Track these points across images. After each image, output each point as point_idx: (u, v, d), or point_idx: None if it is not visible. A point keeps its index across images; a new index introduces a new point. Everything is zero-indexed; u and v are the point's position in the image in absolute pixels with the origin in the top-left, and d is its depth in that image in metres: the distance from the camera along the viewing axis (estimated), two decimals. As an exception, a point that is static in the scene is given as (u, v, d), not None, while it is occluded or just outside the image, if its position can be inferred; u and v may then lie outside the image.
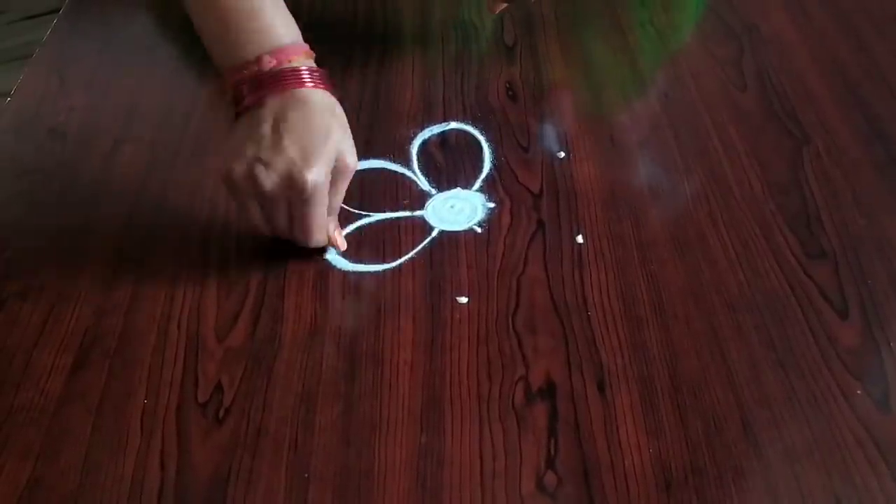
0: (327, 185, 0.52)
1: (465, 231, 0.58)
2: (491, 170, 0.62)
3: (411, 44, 0.74)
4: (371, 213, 0.60)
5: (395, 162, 0.63)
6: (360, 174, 0.62)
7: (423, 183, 0.62)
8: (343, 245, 0.57)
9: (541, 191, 0.60)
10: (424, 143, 0.65)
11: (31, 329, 0.53)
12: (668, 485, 0.45)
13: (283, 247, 0.57)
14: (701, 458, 0.46)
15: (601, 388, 0.49)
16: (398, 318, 0.53)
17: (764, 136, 0.64)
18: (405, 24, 0.77)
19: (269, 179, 0.51)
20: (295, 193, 0.51)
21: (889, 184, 0.60)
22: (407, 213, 0.60)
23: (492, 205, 0.60)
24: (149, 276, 0.56)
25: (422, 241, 0.57)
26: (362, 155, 0.63)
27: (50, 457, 0.47)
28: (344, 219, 0.59)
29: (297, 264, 0.56)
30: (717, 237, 0.57)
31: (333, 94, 0.54)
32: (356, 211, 0.60)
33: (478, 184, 0.62)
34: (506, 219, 0.59)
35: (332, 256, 0.57)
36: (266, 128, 0.51)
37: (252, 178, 0.51)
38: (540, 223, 0.58)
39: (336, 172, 0.53)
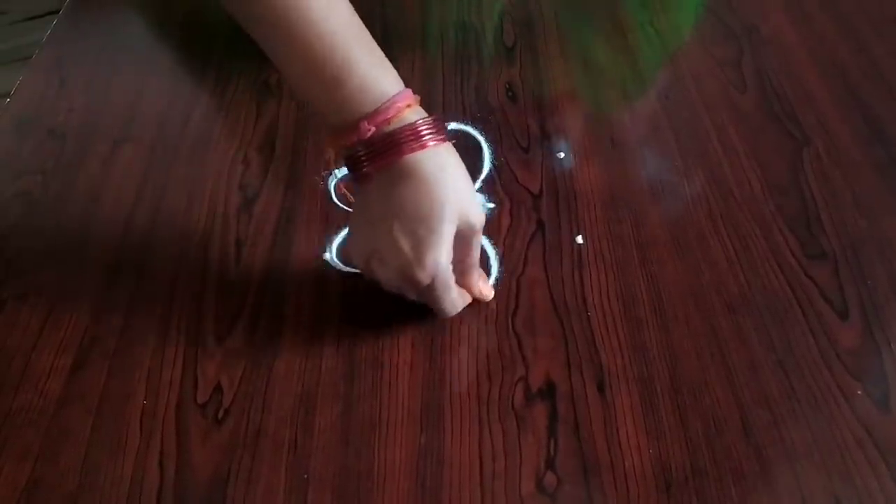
0: (449, 267, 0.48)
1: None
2: (491, 170, 0.62)
3: (411, 44, 0.74)
4: (371, 214, 0.59)
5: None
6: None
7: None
8: (490, 295, 0.53)
9: (540, 191, 0.60)
10: (424, 144, 0.65)
11: (31, 330, 0.53)
12: (668, 485, 0.44)
13: (282, 247, 0.57)
14: (701, 458, 0.46)
15: (601, 388, 0.49)
16: (398, 318, 0.53)
17: (764, 137, 0.64)
18: (405, 24, 0.77)
19: (385, 275, 0.48)
20: (416, 287, 0.48)
21: (889, 184, 0.60)
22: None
23: (491, 205, 0.60)
24: (148, 277, 0.56)
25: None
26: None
27: (49, 458, 0.47)
28: (343, 220, 0.59)
29: (297, 265, 0.56)
30: (717, 238, 0.57)
31: (444, 140, 0.48)
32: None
33: (477, 184, 0.62)
34: (505, 219, 0.59)
35: (331, 257, 0.57)
36: (375, 213, 0.47)
37: (371, 270, 0.49)
38: (540, 224, 0.58)
39: (463, 235, 0.48)
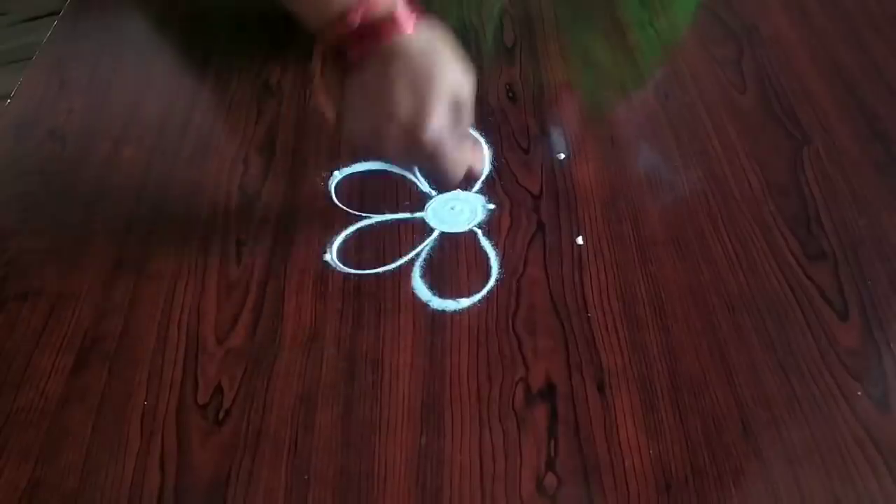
0: (448, 128, 0.51)
1: (464, 232, 0.58)
2: (491, 171, 0.62)
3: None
4: (371, 215, 0.60)
5: (395, 164, 0.63)
6: (360, 176, 0.62)
7: (424, 185, 0.62)
8: (480, 167, 0.56)
9: (540, 192, 0.60)
10: (424, 145, 0.65)
11: (32, 331, 0.53)
12: (668, 486, 0.45)
13: (283, 247, 0.57)
14: (701, 458, 0.46)
15: (601, 389, 0.49)
16: (398, 319, 0.53)
17: (763, 137, 0.64)
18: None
19: (390, 146, 0.51)
20: (420, 152, 0.50)
21: (889, 184, 0.60)
22: (407, 215, 0.60)
23: (492, 206, 0.60)
24: (149, 278, 0.56)
25: (422, 243, 0.58)
26: (362, 158, 0.63)
27: (50, 458, 0.47)
28: (344, 220, 0.59)
29: (297, 266, 0.56)
30: (716, 238, 0.57)
31: (425, 23, 0.51)
32: (356, 212, 0.60)
33: (477, 185, 0.62)
34: (506, 220, 0.59)
35: (331, 258, 0.57)
36: (371, 90, 0.50)
37: (375, 145, 0.51)
38: (540, 224, 0.58)
39: (455, 105, 0.51)
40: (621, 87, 0.70)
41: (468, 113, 0.53)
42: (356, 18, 0.49)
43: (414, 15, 0.51)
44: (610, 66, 0.72)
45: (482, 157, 0.56)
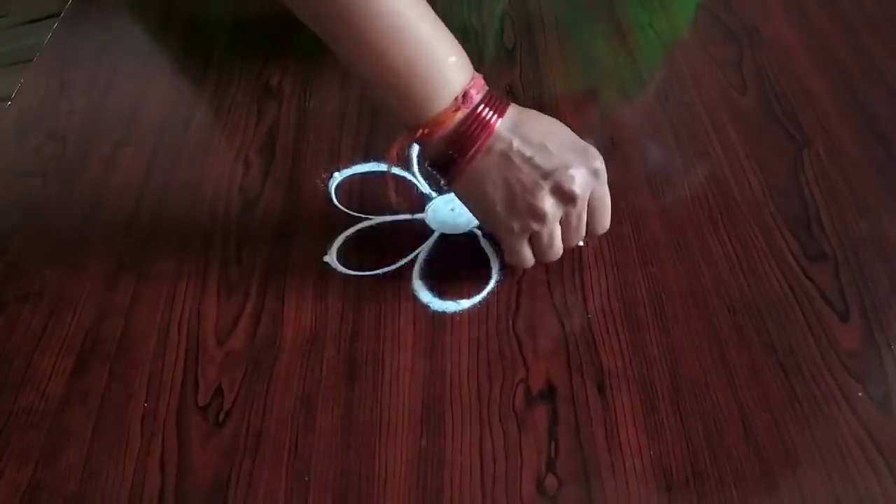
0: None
1: (465, 234, 0.58)
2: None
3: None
4: (371, 216, 0.60)
5: (395, 165, 0.63)
6: (360, 177, 0.62)
7: (424, 186, 0.62)
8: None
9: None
10: (424, 146, 0.65)
11: (32, 332, 0.53)
12: (668, 487, 0.44)
13: (283, 249, 0.57)
14: (702, 460, 0.46)
15: (601, 390, 0.49)
16: (398, 320, 0.53)
17: (764, 138, 0.64)
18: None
19: (576, 186, 0.48)
20: (598, 181, 0.49)
21: (889, 185, 0.60)
22: (407, 216, 0.60)
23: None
24: (149, 280, 0.56)
25: (422, 244, 0.57)
26: (362, 158, 0.63)
27: (50, 460, 0.47)
28: (344, 222, 0.59)
29: (297, 267, 0.56)
30: (717, 239, 0.57)
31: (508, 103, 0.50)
32: (356, 214, 0.60)
33: (478, 186, 0.62)
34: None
35: (331, 259, 0.57)
36: (511, 158, 0.47)
37: (546, 210, 0.48)
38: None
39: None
40: (621, 88, 0.70)
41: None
42: (463, 111, 0.47)
43: (499, 98, 0.49)
44: (610, 67, 0.72)
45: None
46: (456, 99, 0.47)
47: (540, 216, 0.48)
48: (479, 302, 0.54)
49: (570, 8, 0.79)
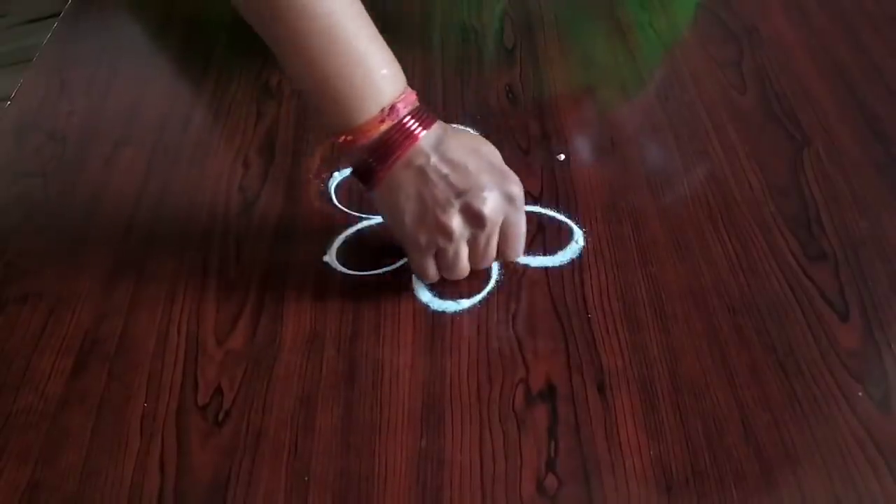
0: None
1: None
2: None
3: (411, 46, 0.74)
4: (371, 216, 0.59)
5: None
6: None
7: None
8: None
9: (541, 193, 0.60)
10: (424, 146, 0.65)
11: (31, 333, 0.53)
12: (668, 487, 0.44)
13: (282, 249, 0.57)
14: (702, 460, 0.45)
15: (601, 389, 0.49)
16: (398, 320, 0.53)
17: (764, 138, 0.64)
18: (404, 26, 0.77)
19: (486, 209, 0.48)
20: (512, 207, 0.49)
21: (889, 184, 0.60)
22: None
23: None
24: (148, 280, 0.56)
25: (422, 244, 0.57)
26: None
27: (50, 460, 0.47)
28: (344, 222, 0.59)
29: (296, 267, 0.56)
30: (717, 239, 0.57)
31: (434, 119, 0.50)
32: (356, 214, 0.60)
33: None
34: (506, 221, 0.59)
35: (331, 259, 0.57)
36: (429, 172, 0.48)
37: (440, 227, 0.48)
38: (540, 226, 0.58)
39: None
40: (621, 87, 0.70)
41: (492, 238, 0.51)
42: (383, 126, 0.48)
43: (426, 112, 0.49)
44: (610, 66, 0.72)
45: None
46: (382, 110, 0.48)
47: (447, 233, 0.49)
48: (479, 302, 0.54)
49: (570, 7, 0.79)
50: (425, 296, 0.54)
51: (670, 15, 0.78)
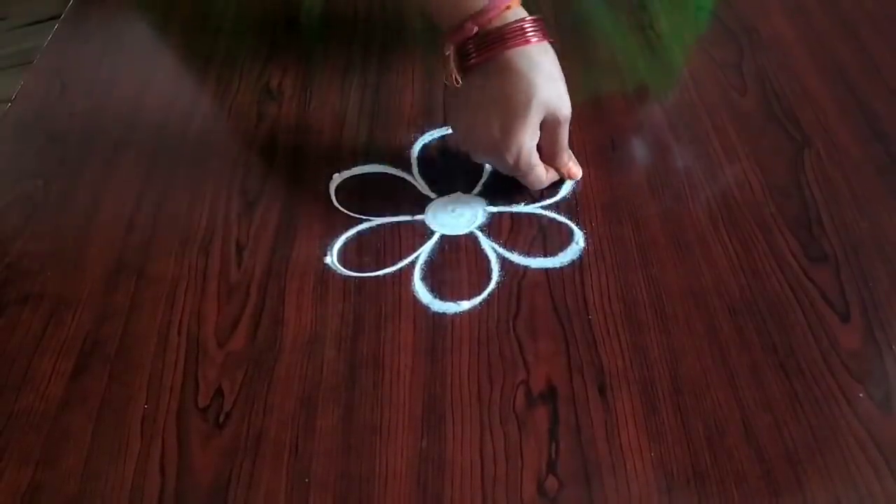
0: (532, 150, 0.56)
1: (465, 235, 0.58)
2: (491, 174, 0.62)
3: (412, 47, 0.74)
4: (371, 217, 0.60)
5: (395, 166, 0.63)
6: (360, 178, 0.62)
7: (424, 187, 0.62)
8: (578, 174, 0.60)
9: (541, 194, 0.60)
10: (425, 148, 0.65)
11: (32, 334, 0.53)
12: (669, 488, 0.44)
13: (283, 251, 0.57)
14: (702, 461, 0.45)
15: (602, 391, 0.49)
16: (398, 322, 0.53)
17: (764, 139, 0.64)
18: (405, 27, 0.77)
19: (477, 155, 0.58)
20: (503, 166, 0.57)
21: (890, 185, 0.60)
22: (407, 218, 0.60)
23: (492, 209, 0.60)
24: (149, 281, 0.56)
25: (422, 246, 0.57)
26: (363, 160, 0.63)
27: (50, 462, 0.47)
28: (344, 223, 0.59)
29: (297, 269, 0.56)
30: (717, 240, 0.57)
31: (541, 39, 0.54)
32: (357, 215, 0.60)
33: (478, 188, 0.62)
34: (506, 222, 0.59)
35: (332, 261, 0.57)
36: (472, 100, 0.55)
37: (466, 148, 0.58)
38: (540, 227, 0.58)
39: (550, 125, 0.55)
40: (622, 89, 0.70)
41: (565, 134, 0.57)
42: (471, 31, 0.53)
43: (526, 29, 0.53)
44: (610, 69, 0.72)
45: (578, 168, 0.60)
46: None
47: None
48: (480, 303, 0.54)
49: (570, 10, 0.79)
50: (426, 297, 0.54)
51: (670, 17, 0.78)
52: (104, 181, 0.63)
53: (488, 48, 0.53)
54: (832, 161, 0.62)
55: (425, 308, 0.54)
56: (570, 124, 0.57)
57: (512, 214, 0.59)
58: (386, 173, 0.63)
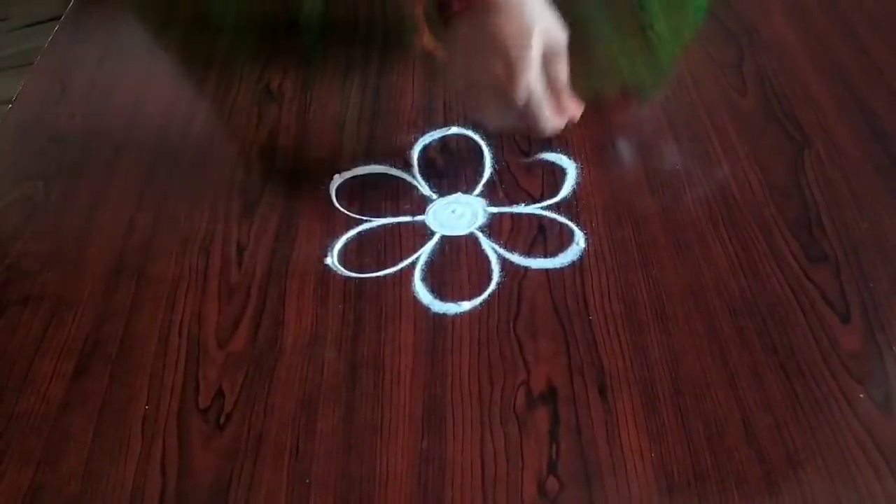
0: (539, 85, 0.54)
1: (465, 236, 0.58)
2: (492, 174, 0.62)
3: (412, 48, 0.74)
4: (372, 218, 0.60)
5: (395, 167, 0.63)
6: (361, 179, 0.62)
7: (424, 188, 0.62)
8: (578, 114, 0.59)
9: (541, 195, 0.60)
10: (425, 148, 0.65)
11: (33, 335, 0.53)
12: (670, 489, 0.44)
13: (284, 252, 0.57)
14: (703, 462, 0.45)
15: (602, 392, 0.49)
16: (399, 322, 0.53)
17: (764, 139, 0.64)
18: (406, 28, 0.77)
19: (484, 98, 0.54)
20: (512, 106, 0.53)
21: (890, 186, 0.60)
22: (408, 218, 0.60)
23: (493, 209, 0.60)
24: (149, 282, 0.56)
25: (423, 246, 0.57)
26: (363, 160, 0.63)
27: (51, 463, 0.47)
28: (345, 224, 0.59)
29: (297, 270, 0.56)
30: (717, 240, 0.57)
31: None
32: (357, 216, 0.60)
33: (479, 188, 0.62)
34: (507, 223, 0.59)
35: (332, 262, 0.57)
36: (469, 43, 0.53)
37: (470, 96, 0.55)
38: (541, 227, 0.58)
39: (549, 56, 0.54)
40: (622, 90, 0.70)
41: (564, 66, 0.55)
42: None
43: None
44: (611, 69, 0.72)
45: (579, 107, 0.59)
46: None
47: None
48: (480, 304, 0.54)
49: (570, 11, 0.79)
50: (426, 298, 0.54)
51: (671, 17, 0.78)
52: (104, 182, 0.63)
53: None
54: (832, 161, 0.62)
55: (426, 308, 0.54)
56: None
57: (512, 215, 0.59)
58: (386, 174, 0.63)
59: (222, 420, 0.48)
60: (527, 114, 0.55)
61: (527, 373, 0.50)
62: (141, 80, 0.73)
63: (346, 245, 0.58)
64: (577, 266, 0.56)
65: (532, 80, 0.52)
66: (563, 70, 0.56)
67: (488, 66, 0.52)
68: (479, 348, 0.51)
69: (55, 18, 0.82)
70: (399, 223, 0.59)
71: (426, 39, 0.57)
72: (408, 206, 0.60)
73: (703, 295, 0.53)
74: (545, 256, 0.56)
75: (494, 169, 0.63)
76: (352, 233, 0.59)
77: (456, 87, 0.56)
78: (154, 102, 0.71)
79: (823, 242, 0.56)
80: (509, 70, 0.52)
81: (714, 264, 0.55)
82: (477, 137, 0.65)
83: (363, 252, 0.57)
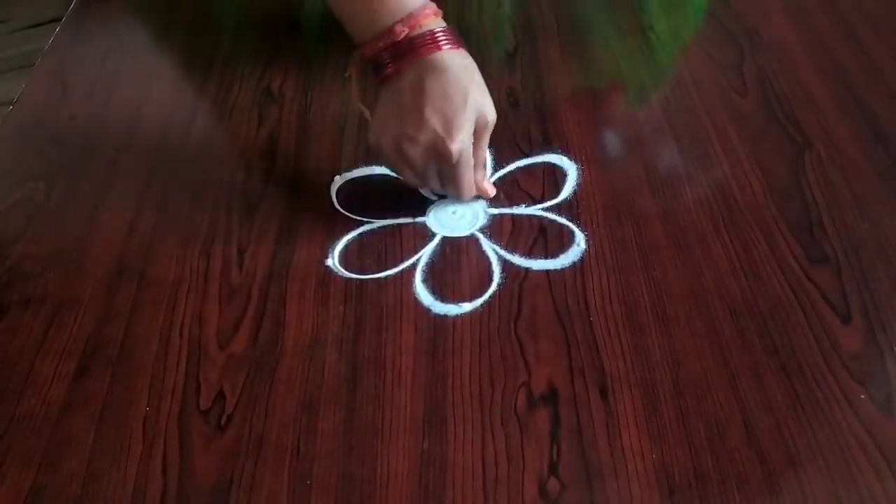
0: (471, 147, 0.55)
1: (466, 237, 0.58)
2: (492, 176, 0.62)
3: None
4: (373, 220, 0.60)
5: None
6: (362, 180, 0.62)
7: (425, 189, 0.62)
8: (492, 192, 0.60)
9: (542, 196, 0.60)
10: (425, 149, 0.65)
11: (33, 337, 0.53)
12: (671, 490, 0.44)
13: (284, 253, 0.57)
14: (704, 463, 0.45)
15: (603, 393, 0.49)
16: (400, 324, 0.53)
17: (765, 141, 0.64)
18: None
19: (415, 153, 0.54)
20: (443, 162, 0.55)
21: (890, 187, 0.60)
22: (408, 220, 0.60)
23: (493, 211, 0.60)
24: (150, 284, 0.56)
25: (423, 247, 0.58)
26: (364, 162, 0.63)
27: (52, 464, 0.47)
28: (346, 225, 0.59)
29: (298, 271, 0.56)
30: (718, 242, 0.57)
31: (464, 49, 0.55)
32: (358, 217, 0.60)
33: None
34: (507, 224, 0.59)
35: (333, 263, 0.57)
36: (406, 99, 0.54)
37: (400, 151, 0.55)
38: (541, 228, 0.58)
39: (478, 130, 0.55)
40: (623, 92, 0.70)
41: (485, 141, 0.57)
42: (401, 34, 0.53)
43: (451, 35, 0.54)
44: (611, 71, 0.72)
45: (492, 186, 0.60)
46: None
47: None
48: (481, 305, 0.54)
49: (571, 11, 0.79)
50: (427, 299, 0.54)
51: (671, 18, 0.78)
52: (105, 183, 0.63)
53: (415, 51, 0.53)
54: (833, 163, 0.62)
55: (426, 310, 0.54)
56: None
57: (513, 216, 0.59)
58: (387, 175, 0.63)
59: (223, 421, 0.48)
60: (452, 174, 0.56)
61: (528, 374, 0.50)
62: (142, 81, 0.73)
63: (346, 246, 0.58)
64: (577, 267, 0.56)
65: (466, 138, 0.54)
66: (484, 147, 0.57)
67: (426, 119, 0.53)
68: (480, 349, 0.51)
69: (56, 20, 0.82)
70: (400, 224, 0.59)
71: (355, 98, 0.58)
72: (408, 208, 0.60)
73: (703, 296, 0.53)
74: (546, 257, 0.56)
75: (495, 170, 0.63)
76: (353, 234, 0.59)
77: (385, 140, 0.56)
78: (155, 104, 0.71)
79: (824, 243, 0.56)
80: (447, 126, 0.53)
81: (715, 265, 0.55)
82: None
83: (364, 253, 0.57)
